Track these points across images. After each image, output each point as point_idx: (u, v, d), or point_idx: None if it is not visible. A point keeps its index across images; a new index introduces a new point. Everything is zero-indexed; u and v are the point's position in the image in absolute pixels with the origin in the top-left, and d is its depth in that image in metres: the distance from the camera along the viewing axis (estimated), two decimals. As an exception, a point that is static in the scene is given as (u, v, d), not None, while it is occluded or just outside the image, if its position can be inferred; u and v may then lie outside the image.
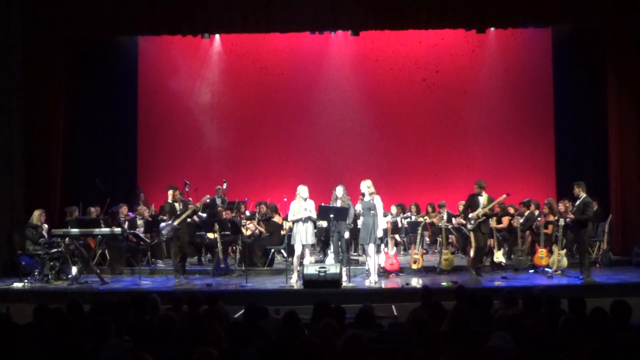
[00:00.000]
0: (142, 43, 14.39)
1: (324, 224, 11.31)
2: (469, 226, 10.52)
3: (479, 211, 10.33)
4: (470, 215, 10.39)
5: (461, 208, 12.59)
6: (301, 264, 9.90)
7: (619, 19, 11.71)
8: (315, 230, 10.31)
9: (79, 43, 12.84)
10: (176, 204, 10.40)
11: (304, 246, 9.83)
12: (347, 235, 10.00)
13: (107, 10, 11.84)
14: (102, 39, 13.18)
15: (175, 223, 10.20)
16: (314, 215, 9.92)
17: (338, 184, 10.38)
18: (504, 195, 10.63)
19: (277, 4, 11.75)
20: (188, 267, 11.15)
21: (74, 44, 12.69)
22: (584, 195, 10.00)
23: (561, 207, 10.76)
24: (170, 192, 10.43)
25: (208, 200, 11.71)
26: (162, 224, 10.40)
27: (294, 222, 9.91)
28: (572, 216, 10.04)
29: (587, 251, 10.22)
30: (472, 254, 10.57)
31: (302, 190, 9.89)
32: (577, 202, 10.06)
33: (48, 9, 11.86)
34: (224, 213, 12.09)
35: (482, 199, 10.41)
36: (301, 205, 9.78)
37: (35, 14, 11.86)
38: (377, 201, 9.83)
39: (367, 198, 9.83)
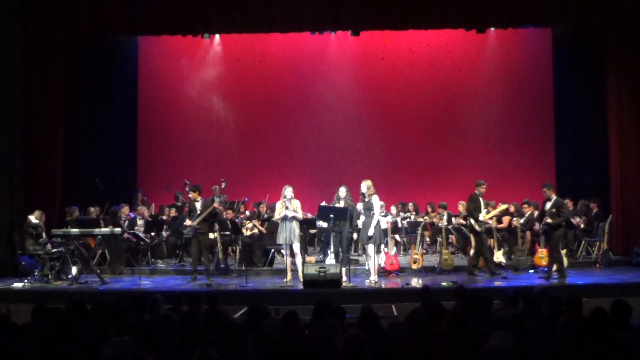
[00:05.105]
0: (142, 43, 14.39)
1: (324, 224, 11.30)
2: (477, 228, 10.26)
3: (487, 215, 10.32)
4: (482, 218, 10.25)
5: (461, 208, 12.60)
6: (294, 262, 10.01)
7: (619, 19, 11.70)
8: (301, 232, 10.32)
9: (79, 43, 12.85)
10: (197, 204, 10.50)
11: (290, 245, 9.89)
12: (355, 236, 9.97)
13: (107, 10, 11.83)
14: (102, 39, 13.18)
15: (195, 223, 10.31)
16: (299, 215, 9.98)
17: (340, 184, 10.38)
18: (504, 206, 10.80)
19: (277, 4, 11.75)
20: (187, 268, 11.18)
21: (74, 44, 12.70)
22: (555, 197, 9.94)
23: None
24: (196, 193, 10.60)
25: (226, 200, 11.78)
26: (184, 223, 10.63)
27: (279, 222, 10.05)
28: (550, 220, 9.75)
29: (560, 252, 9.95)
30: (477, 254, 10.49)
31: (286, 190, 9.98)
32: (548, 205, 9.90)
33: (48, 9, 11.86)
34: (224, 213, 12.07)
35: (482, 201, 10.40)
36: (284, 205, 9.87)
37: (36, 14, 11.86)
38: (375, 201, 9.86)
39: (366, 199, 9.87)
